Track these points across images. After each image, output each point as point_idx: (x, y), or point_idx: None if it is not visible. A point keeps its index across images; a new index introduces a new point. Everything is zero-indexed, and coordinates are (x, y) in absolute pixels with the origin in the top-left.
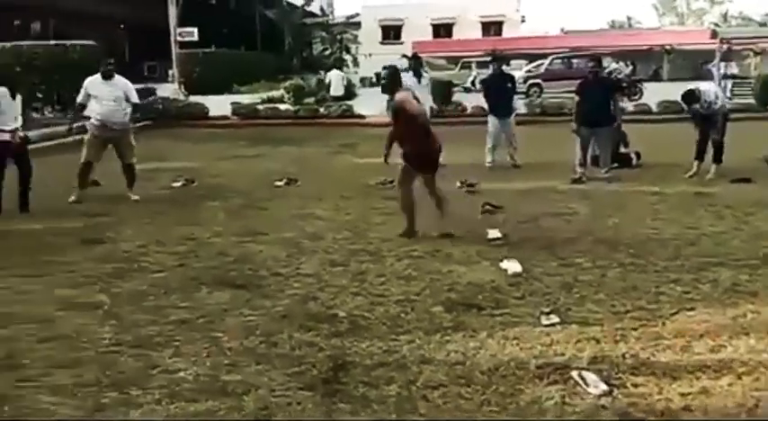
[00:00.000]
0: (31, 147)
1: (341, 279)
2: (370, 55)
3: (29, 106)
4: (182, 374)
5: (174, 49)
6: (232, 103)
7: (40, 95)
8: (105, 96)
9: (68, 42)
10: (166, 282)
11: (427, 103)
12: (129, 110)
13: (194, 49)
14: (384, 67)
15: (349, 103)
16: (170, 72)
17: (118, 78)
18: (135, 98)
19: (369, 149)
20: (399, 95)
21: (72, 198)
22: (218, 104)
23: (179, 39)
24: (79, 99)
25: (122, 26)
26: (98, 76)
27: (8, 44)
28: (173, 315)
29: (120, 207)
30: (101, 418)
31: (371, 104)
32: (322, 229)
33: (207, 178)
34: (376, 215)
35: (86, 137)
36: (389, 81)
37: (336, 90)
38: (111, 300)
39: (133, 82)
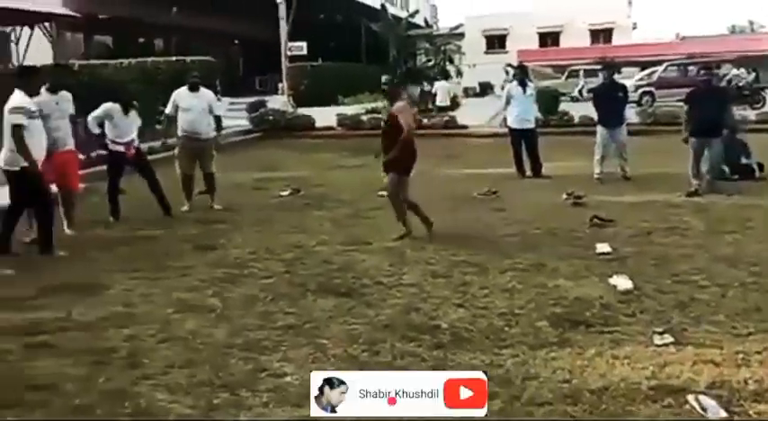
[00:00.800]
0: (154, 157)
1: (443, 290)
2: (473, 65)
3: (153, 119)
4: (288, 379)
5: (284, 63)
6: (337, 114)
7: (162, 108)
8: (191, 108)
9: (188, 58)
10: (274, 288)
11: (532, 113)
12: (212, 121)
13: (303, 63)
14: (384, 82)
15: (452, 113)
16: (280, 85)
17: (203, 91)
18: (218, 110)
19: (471, 160)
20: (397, 105)
21: (184, 207)
22: (324, 115)
23: (289, 53)
24: (168, 111)
25: (237, 42)
26: (185, 88)
27: (133, 61)
28: (280, 320)
29: (231, 215)
30: (214, 418)
31: (475, 115)
32: (424, 239)
33: (313, 187)
34: (479, 226)
35: (176, 150)
36: (390, 92)
37: (443, 100)
38: (222, 304)
39: (245, 95)
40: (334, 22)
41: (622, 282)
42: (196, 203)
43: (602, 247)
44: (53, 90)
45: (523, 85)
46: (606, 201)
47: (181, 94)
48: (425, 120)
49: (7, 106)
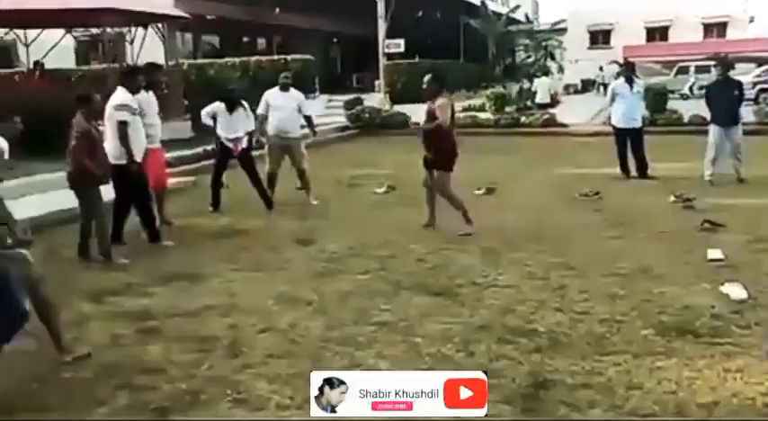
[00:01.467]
0: (258, 153)
1: (540, 293)
2: (576, 61)
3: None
4: None
5: (381, 61)
6: None
7: None
8: (282, 107)
9: (289, 56)
10: (369, 285)
11: (638, 111)
12: (302, 120)
13: (400, 60)
14: (426, 82)
15: (552, 111)
16: (376, 82)
17: (293, 91)
18: (308, 110)
19: (572, 159)
20: (438, 102)
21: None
22: (420, 113)
23: (386, 50)
24: (260, 110)
25: (336, 40)
26: (276, 88)
27: (237, 60)
28: (375, 316)
29: (328, 211)
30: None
31: (576, 112)
32: (521, 240)
33: (407, 185)
34: (579, 228)
35: (265, 149)
36: (429, 89)
37: (543, 98)
38: (319, 298)
39: (342, 92)
40: (432, 18)
41: (736, 291)
42: (294, 199)
43: (714, 253)
44: (148, 88)
45: (630, 81)
46: (718, 205)
47: (272, 94)
48: (523, 119)
49: (111, 103)
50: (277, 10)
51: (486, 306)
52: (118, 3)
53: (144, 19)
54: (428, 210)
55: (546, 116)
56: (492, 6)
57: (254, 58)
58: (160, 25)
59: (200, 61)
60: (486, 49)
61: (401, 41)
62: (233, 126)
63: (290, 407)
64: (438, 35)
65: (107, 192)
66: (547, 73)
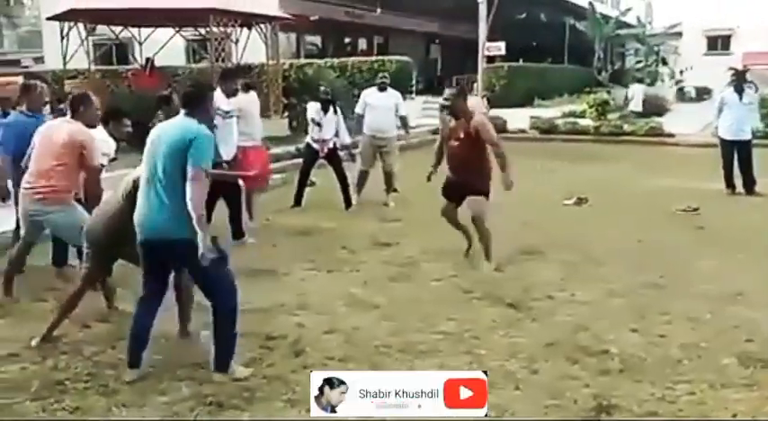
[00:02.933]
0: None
1: (619, 312)
2: (690, 67)
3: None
4: None
5: (481, 63)
6: (531, 117)
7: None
8: (378, 106)
9: (386, 58)
10: (440, 291)
11: (749, 122)
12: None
13: (500, 63)
14: (446, 97)
15: (659, 119)
16: (474, 85)
17: (391, 91)
18: (403, 111)
19: (676, 171)
20: (476, 119)
21: (353, 202)
22: (517, 118)
23: (487, 53)
24: (357, 109)
25: (437, 41)
26: (374, 88)
27: (336, 60)
28: (441, 325)
29: (408, 214)
30: None
31: (685, 122)
32: (606, 255)
33: (495, 192)
34: (671, 245)
35: (359, 147)
36: (455, 104)
37: (636, 105)
38: (388, 302)
39: (440, 94)
40: (536, 20)
41: None
42: (376, 200)
43: None
44: (246, 89)
45: (740, 91)
46: None
47: (370, 94)
48: (626, 126)
49: None
50: (378, 11)
51: (559, 322)
52: (223, 3)
53: (248, 19)
54: (465, 234)
55: (651, 125)
56: (600, 8)
57: (351, 59)
58: (263, 26)
59: (300, 61)
60: (593, 53)
61: (502, 44)
62: (325, 127)
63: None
64: (542, 37)
65: None
66: (654, 79)
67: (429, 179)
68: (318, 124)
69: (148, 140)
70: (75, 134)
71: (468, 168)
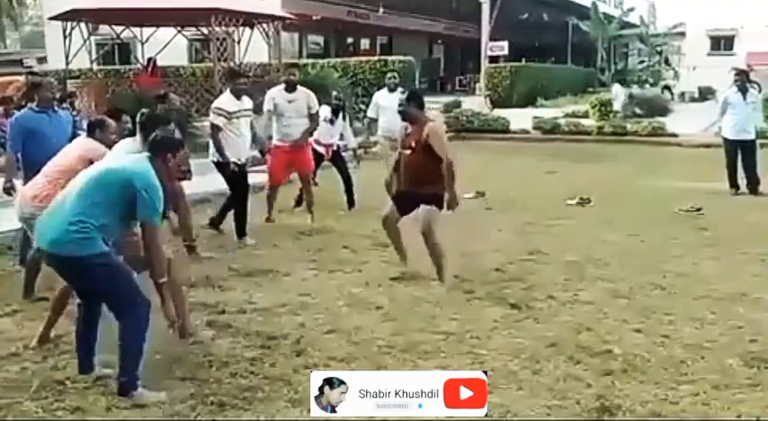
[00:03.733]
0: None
1: (622, 312)
2: (693, 68)
3: (355, 117)
4: None
5: (484, 63)
6: (534, 117)
7: (363, 106)
8: (388, 108)
9: (389, 58)
10: (441, 292)
11: (752, 122)
12: None
13: (503, 63)
14: (401, 103)
15: (662, 119)
16: (477, 85)
17: (401, 90)
18: None
19: (678, 171)
20: (430, 127)
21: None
22: (520, 118)
23: (489, 53)
24: (370, 113)
25: (440, 41)
26: (384, 89)
27: (339, 60)
28: (443, 325)
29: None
30: None
31: (688, 122)
32: (609, 255)
33: (498, 191)
34: (675, 245)
35: (379, 151)
36: (408, 110)
37: (618, 106)
38: (390, 302)
39: (445, 94)
40: (539, 20)
41: None
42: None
43: None
44: (288, 89)
45: (743, 91)
46: None
47: (380, 95)
48: (629, 126)
49: (213, 104)
50: (381, 11)
51: (561, 322)
52: (225, 3)
53: (250, 19)
54: (399, 252)
55: (654, 125)
56: (603, 8)
57: (354, 59)
58: (265, 25)
59: (303, 61)
60: (596, 53)
61: (504, 44)
62: (331, 131)
63: None
64: (545, 37)
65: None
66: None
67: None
68: (332, 121)
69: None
70: (88, 152)
71: (421, 180)
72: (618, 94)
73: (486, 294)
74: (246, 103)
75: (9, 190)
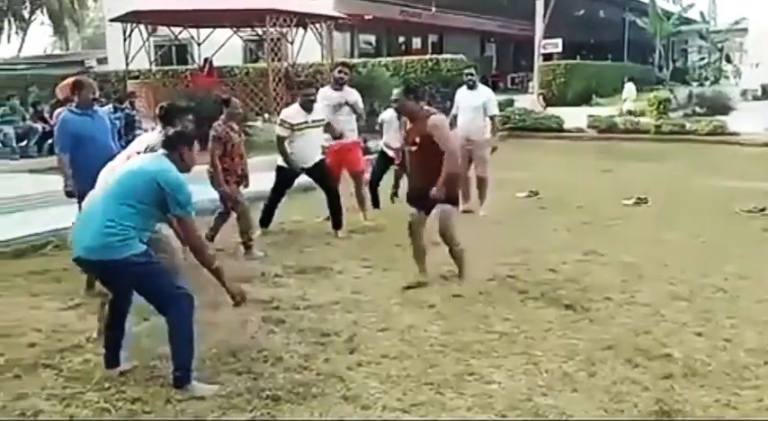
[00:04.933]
0: None
1: (682, 315)
2: (756, 65)
3: None
4: (495, 386)
5: (537, 61)
6: (588, 116)
7: None
8: (465, 107)
9: (441, 56)
10: (495, 291)
11: None
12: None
13: (557, 61)
14: (394, 98)
15: (723, 118)
16: (530, 83)
17: (481, 88)
18: (493, 110)
19: (739, 171)
20: (433, 120)
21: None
22: (575, 116)
23: (543, 51)
24: (453, 111)
25: (492, 39)
26: (464, 86)
27: (390, 59)
28: (496, 325)
29: (466, 213)
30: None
31: (750, 121)
32: (668, 256)
33: (552, 191)
34: (736, 246)
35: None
36: (403, 104)
37: (630, 105)
38: (442, 301)
39: (495, 92)
40: (595, 17)
41: None
42: None
43: None
44: (335, 87)
45: None
46: None
47: (459, 93)
48: (688, 125)
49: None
50: (433, 9)
51: (618, 324)
52: (279, 4)
53: (303, 19)
54: (418, 261)
55: (714, 123)
56: (661, 4)
57: (405, 58)
58: (318, 25)
59: (354, 60)
60: (654, 50)
61: (558, 41)
62: (397, 136)
63: (396, 409)
64: (600, 34)
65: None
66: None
67: (393, 199)
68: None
69: None
70: None
71: (428, 176)
72: (630, 93)
73: (541, 295)
74: (318, 113)
75: (71, 193)
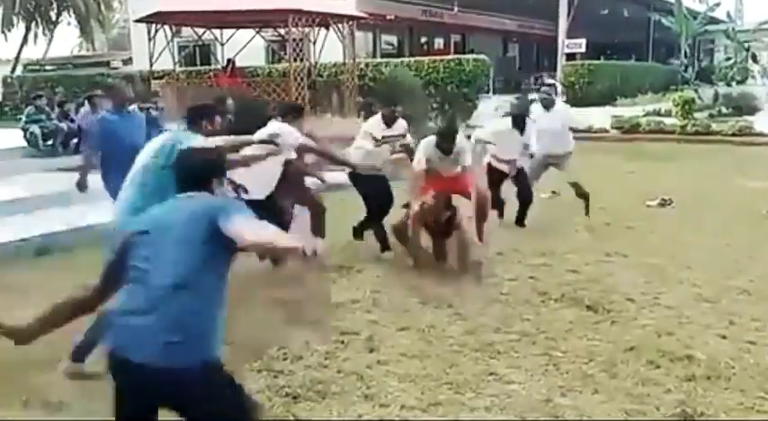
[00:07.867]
0: None
1: (706, 317)
2: None
3: (426, 117)
4: (515, 387)
5: (560, 61)
6: (612, 116)
7: (435, 105)
8: (545, 130)
9: (463, 56)
10: (516, 292)
11: None
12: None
13: (580, 61)
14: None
15: (750, 118)
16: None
17: (559, 106)
18: (573, 125)
19: (765, 172)
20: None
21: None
22: (598, 117)
23: (566, 50)
24: (524, 139)
25: (515, 39)
26: (538, 104)
27: (412, 59)
28: (516, 325)
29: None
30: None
31: None
32: (692, 258)
33: (570, 191)
34: (762, 248)
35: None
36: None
37: None
38: (462, 301)
39: (518, 92)
40: (618, 16)
41: None
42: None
43: None
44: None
45: None
46: None
47: (536, 114)
48: (714, 126)
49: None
50: (455, 9)
51: (641, 325)
52: (302, 4)
53: (326, 19)
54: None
55: (741, 124)
56: (687, 3)
57: (427, 58)
58: (340, 25)
59: (376, 60)
60: (679, 50)
61: (582, 41)
62: (513, 146)
63: (415, 408)
64: (624, 34)
65: None
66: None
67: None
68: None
69: None
70: None
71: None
72: None
73: (562, 295)
74: (398, 128)
75: (83, 186)
